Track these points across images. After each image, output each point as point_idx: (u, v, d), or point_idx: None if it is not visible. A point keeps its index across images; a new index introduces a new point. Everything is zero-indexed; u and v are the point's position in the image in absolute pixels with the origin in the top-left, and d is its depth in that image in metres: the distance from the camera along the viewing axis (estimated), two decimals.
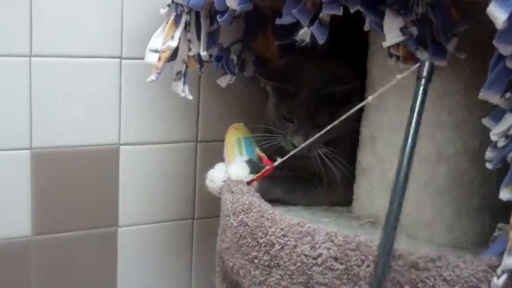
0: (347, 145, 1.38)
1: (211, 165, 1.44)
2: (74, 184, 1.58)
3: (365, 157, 1.32)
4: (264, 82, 1.40)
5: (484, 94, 0.93)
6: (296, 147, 1.29)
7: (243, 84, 1.65)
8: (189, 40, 1.37)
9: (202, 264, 1.82)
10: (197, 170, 1.75)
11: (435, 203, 1.19)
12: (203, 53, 1.37)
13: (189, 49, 1.38)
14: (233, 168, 1.31)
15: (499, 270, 0.90)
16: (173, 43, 1.35)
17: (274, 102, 1.42)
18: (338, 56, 1.45)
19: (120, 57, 1.55)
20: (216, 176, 1.36)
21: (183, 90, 1.41)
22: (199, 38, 1.37)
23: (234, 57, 1.52)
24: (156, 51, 1.37)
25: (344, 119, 1.26)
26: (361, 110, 1.33)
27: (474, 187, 1.18)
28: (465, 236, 1.20)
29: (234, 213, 1.20)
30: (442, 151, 1.18)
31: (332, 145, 1.34)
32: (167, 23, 1.37)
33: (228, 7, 1.24)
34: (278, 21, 1.18)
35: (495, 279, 0.89)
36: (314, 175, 1.36)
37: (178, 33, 1.35)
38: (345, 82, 1.33)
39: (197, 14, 1.35)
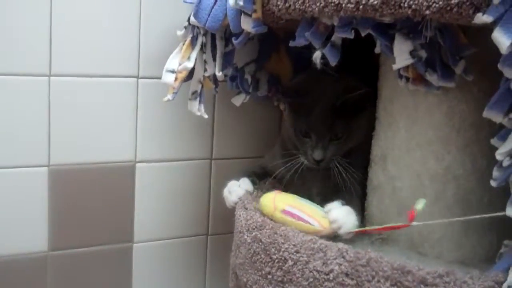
0: (362, 160, 1.39)
1: (225, 182, 1.46)
2: (91, 200, 1.60)
3: (376, 175, 1.34)
4: (279, 99, 1.44)
5: (487, 113, 0.96)
6: (317, 161, 1.33)
7: (257, 103, 1.67)
8: (205, 61, 1.39)
9: (216, 280, 1.83)
10: (211, 187, 1.77)
11: (444, 219, 1.21)
12: (219, 74, 1.40)
13: (205, 70, 1.41)
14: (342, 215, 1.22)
15: (504, 286, 0.92)
16: (190, 64, 1.38)
17: (291, 120, 1.43)
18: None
19: (137, 77, 1.58)
20: (234, 189, 1.40)
21: (198, 109, 1.43)
22: (214, 59, 1.40)
23: (248, 77, 1.55)
24: (173, 71, 1.40)
25: (360, 128, 1.35)
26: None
27: (483, 205, 1.20)
28: (473, 253, 1.22)
29: (248, 229, 1.23)
30: (451, 170, 1.20)
31: (350, 158, 1.36)
32: (183, 44, 1.40)
33: (243, 30, 1.27)
34: (291, 44, 1.22)
35: None
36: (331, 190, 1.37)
37: (194, 54, 1.38)
38: (356, 90, 1.33)
39: (213, 36, 1.38)
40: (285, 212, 1.22)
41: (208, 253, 1.82)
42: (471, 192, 1.20)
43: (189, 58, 1.38)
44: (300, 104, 1.38)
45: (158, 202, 1.70)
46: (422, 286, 0.97)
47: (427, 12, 0.93)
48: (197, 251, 1.81)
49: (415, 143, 1.24)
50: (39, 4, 1.44)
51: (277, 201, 1.25)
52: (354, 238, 1.29)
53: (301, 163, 1.37)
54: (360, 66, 1.44)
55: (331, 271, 1.05)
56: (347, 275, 1.03)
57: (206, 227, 1.80)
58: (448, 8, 0.91)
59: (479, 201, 1.20)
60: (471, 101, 1.17)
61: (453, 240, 1.22)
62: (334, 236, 1.20)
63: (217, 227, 1.81)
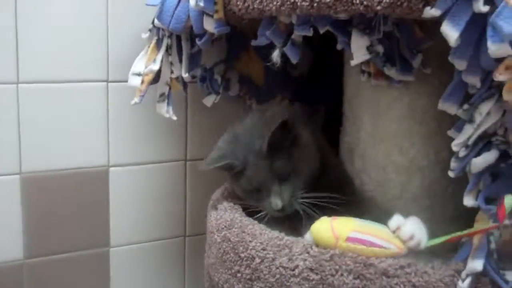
0: (331, 183, 1.28)
1: (200, 184, 1.46)
2: (65, 206, 1.60)
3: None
4: (210, 168, 1.28)
5: (442, 105, 0.98)
6: (279, 211, 1.23)
7: (229, 103, 1.68)
8: (171, 63, 1.40)
9: (195, 281, 1.84)
10: (187, 188, 1.77)
11: (410, 211, 1.22)
12: (185, 75, 1.40)
13: (172, 72, 1.41)
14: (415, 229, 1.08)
15: (463, 274, 0.94)
16: (155, 66, 1.38)
17: (235, 183, 1.32)
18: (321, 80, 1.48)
19: (107, 81, 1.58)
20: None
21: (167, 111, 1.43)
22: (180, 61, 1.40)
23: (218, 77, 1.55)
24: (139, 74, 1.40)
25: (303, 155, 1.27)
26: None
27: (448, 195, 1.22)
28: (439, 243, 1.23)
29: (218, 229, 1.24)
30: (416, 162, 1.22)
31: (317, 189, 1.23)
32: (149, 47, 1.41)
33: (206, 31, 1.28)
34: (253, 43, 1.24)
35: (460, 282, 0.94)
36: None
37: (159, 56, 1.38)
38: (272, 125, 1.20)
39: (178, 38, 1.39)
40: (351, 239, 1.06)
41: (186, 254, 1.83)
42: (436, 183, 1.22)
43: (154, 60, 1.38)
44: (232, 164, 1.27)
45: (133, 206, 1.71)
46: (384, 277, 0.98)
47: (378, 7, 0.95)
48: (175, 253, 1.81)
49: (379, 137, 1.26)
50: (4, 11, 1.43)
51: (337, 230, 1.08)
52: None
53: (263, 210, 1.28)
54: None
55: (296, 266, 1.06)
56: (311, 270, 1.04)
57: (183, 229, 1.80)
58: (399, 3, 0.93)
59: (444, 192, 1.22)
60: (432, 94, 1.18)
61: None
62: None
63: (194, 228, 1.81)
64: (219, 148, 1.31)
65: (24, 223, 1.55)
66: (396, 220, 1.08)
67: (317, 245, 1.09)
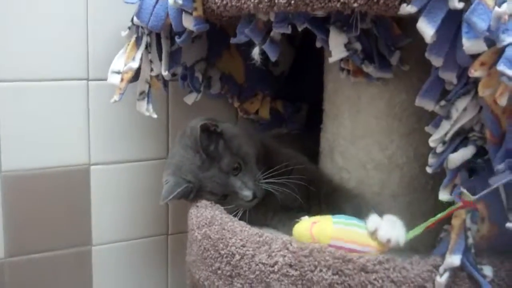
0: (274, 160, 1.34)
1: None
2: (46, 205, 1.59)
3: (325, 166, 1.36)
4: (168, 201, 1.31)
5: (420, 102, 0.99)
6: (253, 200, 1.28)
7: (210, 101, 1.68)
8: (151, 61, 1.40)
9: (177, 278, 1.84)
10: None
11: (390, 207, 1.23)
12: (165, 73, 1.40)
13: (151, 70, 1.41)
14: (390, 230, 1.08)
15: (441, 269, 0.95)
16: (135, 64, 1.38)
17: (202, 195, 1.34)
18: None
19: (87, 79, 1.58)
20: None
21: (147, 109, 1.43)
22: (160, 59, 1.40)
23: (199, 75, 1.55)
24: (118, 72, 1.40)
25: (236, 144, 1.32)
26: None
27: (427, 191, 1.23)
28: (420, 239, 1.24)
29: (198, 226, 1.25)
30: (395, 158, 1.23)
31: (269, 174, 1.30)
32: (128, 45, 1.41)
33: (185, 28, 1.28)
34: (232, 41, 1.24)
35: (438, 277, 0.95)
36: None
37: (139, 54, 1.38)
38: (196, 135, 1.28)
39: (158, 36, 1.38)
40: (332, 247, 1.07)
41: (169, 252, 1.83)
42: (415, 179, 1.23)
43: (134, 58, 1.38)
44: (188, 182, 1.31)
45: (115, 204, 1.70)
46: (362, 273, 0.99)
47: (355, 4, 0.95)
48: (157, 251, 1.81)
49: (359, 133, 1.26)
50: None
51: (317, 238, 1.09)
52: None
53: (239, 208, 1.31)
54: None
55: (276, 263, 1.06)
56: (291, 266, 1.04)
57: (165, 227, 1.80)
58: (375, 0, 0.93)
59: (423, 188, 1.23)
60: (411, 91, 1.19)
61: None
62: None
63: (177, 226, 1.81)
64: (168, 182, 1.32)
65: (5, 222, 1.54)
66: (372, 222, 1.09)
67: None
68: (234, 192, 1.29)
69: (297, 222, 1.14)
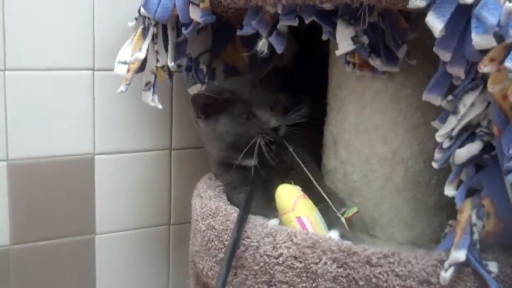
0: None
1: (185, 172, 1.47)
2: (51, 193, 1.60)
3: (329, 160, 1.36)
4: (205, 102, 1.35)
5: (427, 96, 0.99)
6: (276, 129, 1.31)
7: None
8: (157, 52, 1.40)
9: (179, 269, 1.85)
10: (172, 177, 1.78)
11: (394, 202, 1.24)
12: (171, 64, 1.40)
13: (157, 60, 1.41)
14: None
15: (446, 264, 0.95)
16: (141, 55, 1.38)
17: (226, 119, 1.35)
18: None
19: (93, 69, 1.58)
20: None
21: (152, 100, 1.43)
22: (166, 50, 1.40)
23: (203, 67, 1.55)
24: (125, 62, 1.40)
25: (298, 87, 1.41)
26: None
27: (431, 186, 1.23)
28: (423, 234, 1.25)
29: (202, 217, 1.25)
30: (399, 153, 1.23)
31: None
32: (135, 35, 1.41)
33: (192, 20, 1.28)
34: (239, 33, 1.24)
35: (443, 272, 0.95)
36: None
37: (145, 45, 1.38)
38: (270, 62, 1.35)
39: (164, 27, 1.38)
40: (299, 220, 1.16)
41: (171, 242, 1.83)
42: (419, 174, 1.23)
43: (140, 49, 1.38)
44: (228, 93, 1.35)
45: (119, 194, 1.71)
46: (367, 266, 0.99)
47: None
48: (160, 241, 1.82)
49: (363, 128, 1.26)
50: None
51: (298, 206, 1.17)
52: None
53: (258, 145, 1.30)
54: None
55: (280, 255, 1.06)
56: (295, 258, 1.05)
57: (168, 217, 1.81)
58: None
59: (427, 183, 1.23)
60: (416, 85, 1.19)
61: (403, 221, 1.25)
62: None
63: (179, 216, 1.82)
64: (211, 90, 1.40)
65: (10, 210, 1.55)
66: (332, 232, 1.16)
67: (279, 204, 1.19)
68: (260, 115, 1.33)
69: (290, 182, 1.22)
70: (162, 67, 1.43)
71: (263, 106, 1.34)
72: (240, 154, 1.31)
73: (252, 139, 1.30)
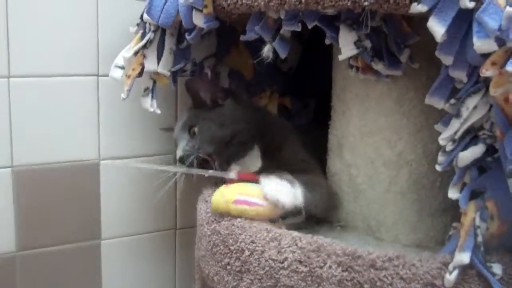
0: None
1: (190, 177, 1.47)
2: (57, 199, 1.60)
3: (334, 163, 1.37)
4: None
5: (429, 100, 0.99)
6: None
7: None
8: (144, 56, 1.39)
9: (185, 273, 1.85)
10: (177, 181, 1.77)
11: (399, 204, 1.24)
12: (162, 71, 1.40)
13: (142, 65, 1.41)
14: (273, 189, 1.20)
15: (450, 266, 0.95)
16: (128, 54, 1.39)
17: None
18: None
19: (97, 75, 1.59)
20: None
21: (151, 105, 1.43)
22: (159, 56, 1.40)
23: (208, 72, 1.55)
24: (122, 67, 1.41)
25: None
26: None
27: (435, 189, 1.23)
28: (428, 236, 1.25)
29: (208, 222, 1.25)
30: (403, 156, 1.23)
31: None
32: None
33: (195, 25, 1.29)
34: (242, 38, 1.24)
35: (447, 275, 0.95)
36: None
37: (136, 49, 1.39)
38: None
39: (163, 33, 1.39)
40: (237, 202, 1.20)
41: (177, 247, 1.84)
42: (424, 177, 1.23)
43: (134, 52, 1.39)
44: None
45: (124, 199, 1.71)
46: (372, 270, 0.99)
47: (366, 3, 0.96)
48: (165, 246, 1.82)
49: (368, 131, 1.27)
50: None
51: (227, 194, 1.22)
52: (313, 226, 1.32)
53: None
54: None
55: (286, 259, 1.07)
56: (300, 262, 1.05)
57: (174, 221, 1.81)
58: None
59: (431, 185, 1.23)
60: (420, 88, 1.19)
61: (408, 224, 1.25)
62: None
63: (184, 221, 1.82)
64: None
65: (16, 216, 1.55)
66: (264, 180, 1.22)
67: (217, 213, 1.23)
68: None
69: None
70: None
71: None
72: None
73: None
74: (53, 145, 1.57)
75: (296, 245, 1.07)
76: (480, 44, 0.83)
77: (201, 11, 1.24)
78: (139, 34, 1.39)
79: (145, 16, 1.33)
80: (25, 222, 1.57)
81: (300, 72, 1.73)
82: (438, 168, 1.02)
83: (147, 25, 1.37)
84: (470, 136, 0.97)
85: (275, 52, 1.19)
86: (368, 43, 1.10)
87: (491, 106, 0.93)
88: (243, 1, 1.13)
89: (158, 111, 1.44)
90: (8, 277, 1.58)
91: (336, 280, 1.01)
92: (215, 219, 1.23)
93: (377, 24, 1.09)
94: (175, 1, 1.28)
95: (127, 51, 1.39)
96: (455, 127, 0.96)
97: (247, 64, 1.63)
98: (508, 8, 0.80)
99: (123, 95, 1.39)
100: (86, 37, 1.56)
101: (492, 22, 0.80)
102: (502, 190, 0.91)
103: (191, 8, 1.26)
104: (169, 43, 1.39)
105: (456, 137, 0.97)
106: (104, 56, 1.58)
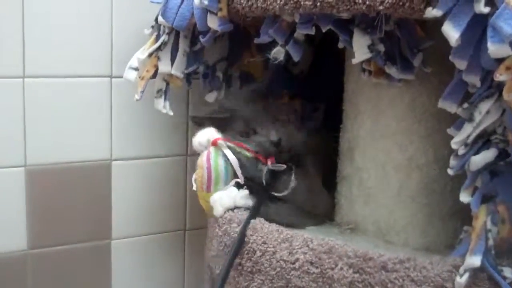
0: None
1: None
2: (68, 199, 1.61)
3: (344, 166, 1.37)
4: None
5: (442, 104, 1.00)
6: (278, 146, 1.35)
7: None
8: (158, 58, 1.41)
9: (194, 274, 1.86)
10: (187, 183, 1.79)
11: (409, 208, 1.25)
12: (176, 73, 1.42)
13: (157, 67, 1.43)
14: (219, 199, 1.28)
15: (461, 269, 0.96)
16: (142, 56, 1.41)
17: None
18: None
19: (111, 76, 1.60)
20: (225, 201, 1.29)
21: (164, 106, 1.45)
22: (173, 58, 1.42)
23: (220, 74, 1.56)
24: (136, 69, 1.43)
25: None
26: None
27: (446, 193, 1.23)
28: (438, 240, 1.25)
29: (218, 224, 1.26)
30: (414, 159, 1.23)
31: None
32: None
33: (210, 28, 1.30)
34: (256, 41, 1.25)
35: (458, 278, 0.96)
36: None
37: (150, 51, 1.41)
38: None
39: (177, 35, 1.40)
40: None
41: (186, 247, 1.84)
42: (435, 181, 1.23)
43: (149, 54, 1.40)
44: (223, 119, 1.43)
45: (135, 199, 1.72)
46: (383, 272, 1.00)
47: (381, 7, 0.97)
48: (175, 246, 1.83)
49: (379, 134, 1.27)
50: (11, 6, 1.45)
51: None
52: (322, 229, 1.32)
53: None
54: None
55: (297, 260, 1.08)
56: (311, 263, 1.06)
57: (183, 222, 1.82)
58: (401, 3, 0.95)
59: (442, 189, 1.23)
60: (432, 93, 1.19)
61: (418, 227, 1.25)
62: None
63: (194, 222, 1.83)
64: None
65: (28, 215, 1.56)
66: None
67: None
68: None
69: None
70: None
71: (264, 120, 1.37)
72: None
73: None
74: (66, 145, 1.58)
75: (308, 246, 1.08)
76: (495, 49, 0.83)
77: (215, 14, 1.25)
78: (154, 36, 1.41)
79: (160, 19, 1.34)
80: (37, 220, 1.58)
81: (311, 75, 1.74)
82: (450, 172, 1.02)
83: (162, 27, 1.38)
84: (483, 140, 0.97)
85: (287, 54, 1.20)
86: (381, 47, 1.11)
87: (504, 110, 0.93)
88: (258, 4, 1.14)
89: (171, 113, 1.45)
90: (19, 275, 1.59)
91: (347, 281, 1.02)
92: (226, 222, 1.24)
93: (391, 28, 1.10)
94: (190, 4, 1.29)
95: (142, 53, 1.40)
96: (468, 131, 0.97)
97: (259, 67, 1.63)
98: None
99: (136, 97, 1.41)
100: (101, 38, 1.58)
101: (507, 27, 0.81)
102: None
103: (205, 11, 1.27)
104: (183, 45, 1.40)
105: (469, 141, 0.97)
106: (118, 57, 1.60)
